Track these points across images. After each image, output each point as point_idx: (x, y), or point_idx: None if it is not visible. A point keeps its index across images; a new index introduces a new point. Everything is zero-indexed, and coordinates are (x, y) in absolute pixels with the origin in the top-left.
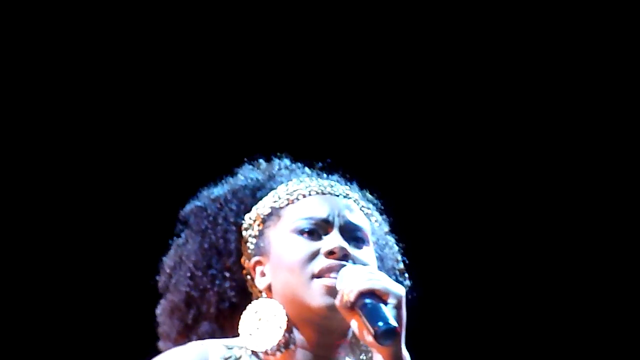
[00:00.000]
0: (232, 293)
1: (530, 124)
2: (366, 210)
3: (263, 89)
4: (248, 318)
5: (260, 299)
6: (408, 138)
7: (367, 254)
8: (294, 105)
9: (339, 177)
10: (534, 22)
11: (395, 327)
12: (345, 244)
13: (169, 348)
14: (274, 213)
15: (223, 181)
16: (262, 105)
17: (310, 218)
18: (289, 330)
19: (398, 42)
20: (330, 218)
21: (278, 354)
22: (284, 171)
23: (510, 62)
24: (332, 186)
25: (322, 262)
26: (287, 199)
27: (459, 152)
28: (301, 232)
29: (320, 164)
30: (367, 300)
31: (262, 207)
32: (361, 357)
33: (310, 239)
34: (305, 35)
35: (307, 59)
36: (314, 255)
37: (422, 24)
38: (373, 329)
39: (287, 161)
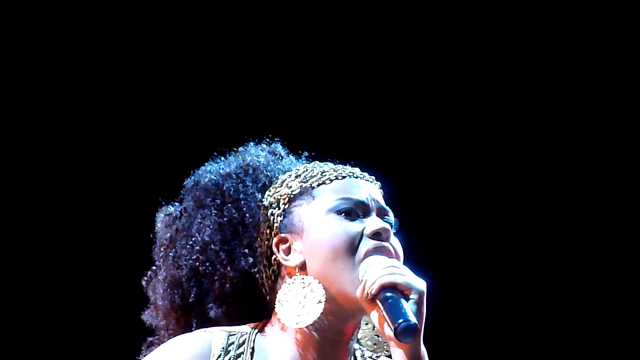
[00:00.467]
0: (254, 270)
1: (530, 121)
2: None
3: (254, 75)
4: (285, 298)
5: (295, 277)
6: (409, 132)
7: (397, 240)
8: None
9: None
10: (534, 22)
11: (415, 324)
12: (388, 226)
13: (160, 324)
14: (305, 192)
15: (223, 159)
16: (253, 90)
17: (349, 199)
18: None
19: (394, 31)
20: (367, 201)
21: (292, 333)
22: (287, 156)
23: (508, 57)
24: (359, 171)
25: (368, 244)
26: (320, 180)
27: (462, 149)
28: (339, 212)
29: (306, 153)
30: (388, 294)
31: (287, 187)
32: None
33: (349, 219)
34: (297, 23)
35: (299, 46)
36: (358, 237)
37: (414, 16)
38: (393, 325)
39: (279, 146)
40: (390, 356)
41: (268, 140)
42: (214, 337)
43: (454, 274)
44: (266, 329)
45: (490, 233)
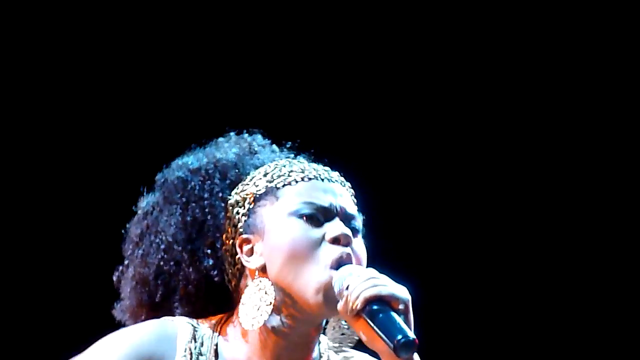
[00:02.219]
0: (214, 272)
1: (523, 119)
2: (355, 201)
3: (236, 63)
4: (247, 300)
5: (256, 280)
6: (397, 133)
7: (361, 245)
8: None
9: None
10: (533, 22)
11: (414, 339)
12: (349, 232)
13: (128, 321)
14: (270, 192)
15: (196, 152)
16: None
17: (312, 203)
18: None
19: (379, 28)
20: (331, 205)
21: (255, 334)
22: (264, 149)
23: (498, 55)
24: (328, 172)
25: (330, 251)
26: (285, 180)
27: (447, 148)
28: (301, 216)
29: (289, 144)
30: (375, 307)
31: (254, 185)
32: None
33: (310, 224)
34: (283, 16)
35: (284, 36)
36: (318, 242)
37: (403, 12)
38: (392, 341)
39: (260, 138)
40: (355, 347)
41: (247, 131)
42: (180, 328)
43: (435, 278)
44: (228, 329)
45: (474, 235)
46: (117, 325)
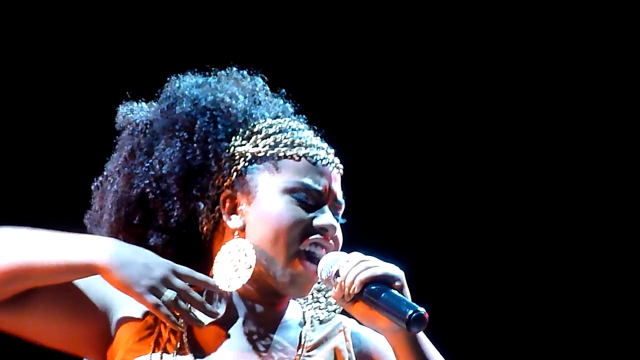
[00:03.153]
0: (200, 217)
1: (515, 111)
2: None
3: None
4: (223, 258)
5: (235, 240)
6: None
7: (340, 232)
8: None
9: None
10: (533, 22)
11: (424, 312)
12: (336, 224)
13: (99, 232)
14: (269, 159)
15: (202, 83)
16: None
17: (308, 186)
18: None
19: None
20: (325, 191)
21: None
22: (267, 100)
23: (489, 50)
24: (327, 151)
25: (310, 231)
26: (287, 152)
27: (453, 151)
28: (295, 196)
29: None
30: (374, 288)
31: (254, 144)
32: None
33: (302, 206)
34: None
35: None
36: (304, 225)
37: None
38: (403, 317)
39: (261, 82)
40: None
41: (249, 72)
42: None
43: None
44: None
45: (468, 230)
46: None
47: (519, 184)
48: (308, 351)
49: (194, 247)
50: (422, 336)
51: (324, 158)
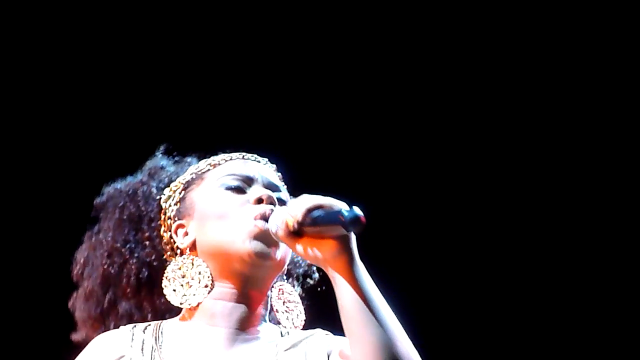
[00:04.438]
0: (153, 262)
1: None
2: (281, 179)
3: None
4: (171, 276)
5: (183, 256)
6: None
7: (285, 195)
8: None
9: None
10: (533, 22)
11: (358, 210)
12: (272, 193)
13: (85, 336)
14: (196, 177)
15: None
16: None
17: (235, 175)
18: (212, 286)
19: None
20: (254, 176)
21: (201, 306)
22: (193, 162)
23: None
24: (253, 155)
25: (252, 209)
26: (210, 164)
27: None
28: (227, 187)
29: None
30: (317, 212)
31: (183, 176)
32: (284, 323)
33: (235, 192)
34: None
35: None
36: (243, 204)
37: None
38: (340, 218)
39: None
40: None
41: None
42: (120, 332)
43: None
44: (178, 316)
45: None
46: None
47: (516, 184)
48: (285, 350)
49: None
50: (364, 272)
51: (246, 156)
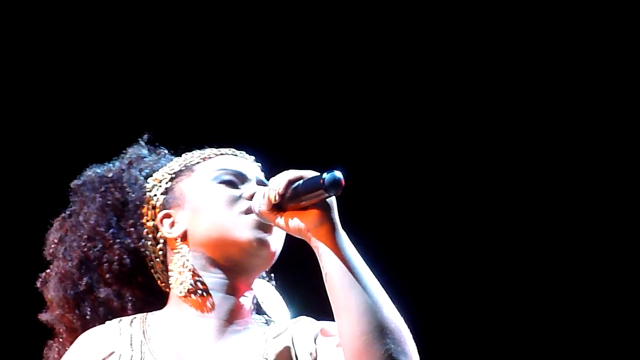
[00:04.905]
0: (138, 249)
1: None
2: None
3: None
4: (172, 266)
5: (177, 249)
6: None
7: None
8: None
9: None
10: (532, 22)
11: (341, 178)
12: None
13: (57, 318)
14: (186, 169)
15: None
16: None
17: (228, 169)
18: (199, 275)
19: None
20: (246, 173)
21: (190, 297)
22: (170, 156)
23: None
24: (241, 151)
25: (247, 204)
26: (201, 157)
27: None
28: (220, 181)
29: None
30: (298, 182)
31: (169, 168)
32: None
33: (229, 186)
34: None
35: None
36: (236, 199)
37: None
38: (320, 184)
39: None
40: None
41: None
42: (107, 327)
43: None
44: (164, 309)
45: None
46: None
47: (513, 185)
48: (273, 338)
49: (147, 288)
50: (346, 240)
51: (234, 152)
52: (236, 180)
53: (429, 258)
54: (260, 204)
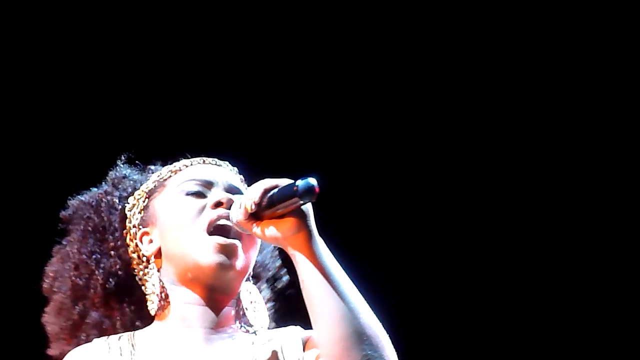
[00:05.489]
0: (119, 271)
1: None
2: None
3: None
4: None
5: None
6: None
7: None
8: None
9: None
10: (532, 22)
11: (315, 185)
12: (230, 196)
13: (59, 350)
14: (159, 185)
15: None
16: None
17: (195, 179)
18: (176, 288)
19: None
20: (214, 180)
21: (172, 311)
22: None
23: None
24: (213, 159)
25: (210, 213)
26: (171, 171)
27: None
28: (187, 193)
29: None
30: (273, 190)
31: (146, 185)
32: (251, 328)
33: (195, 197)
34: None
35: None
36: (202, 209)
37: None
38: (294, 192)
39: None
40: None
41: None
42: (95, 344)
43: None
44: (151, 325)
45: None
46: None
47: (511, 185)
48: (262, 344)
49: (138, 305)
50: (323, 247)
51: (207, 161)
52: (203, 189)
53: (407, 263)
54: (237, 214)
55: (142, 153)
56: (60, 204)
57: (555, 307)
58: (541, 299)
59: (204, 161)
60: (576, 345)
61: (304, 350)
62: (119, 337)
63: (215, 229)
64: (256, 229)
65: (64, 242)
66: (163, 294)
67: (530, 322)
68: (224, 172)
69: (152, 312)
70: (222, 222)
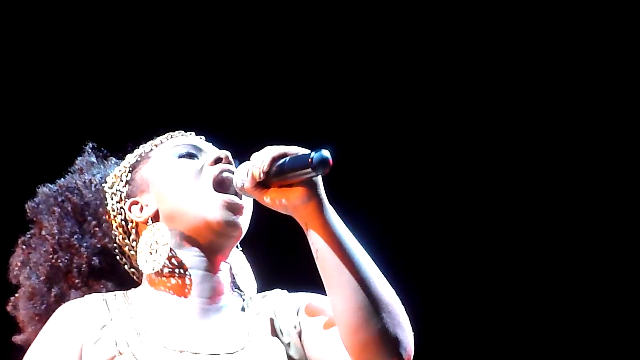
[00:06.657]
0: (107, 245)
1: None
2: None
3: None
4: (141, 247)
5: (149, 227)
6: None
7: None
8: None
9: None
10: (532, 22)
11: (329, 158)
12: (228, 153)
13: (32, 338)
14: (142, 158)
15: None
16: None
17: (185, 144)
18: (175, 253)
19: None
20: (202, 146)
21: (166, 276)
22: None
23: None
24: (190, 132)
25: (213, 170)
26: (154, 144)
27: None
28: (180, 156)
29: None
30: (283, 160)
31: (127, 161)
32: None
33: (190, 159)
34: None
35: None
36: (200, 169)
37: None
38: (308, 161)
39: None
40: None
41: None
42: (92, 300)
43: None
44: (138, 289)
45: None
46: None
47: (511, 185)
48: (256, 315)
49: (119, 281)
50: (335, 215)
51: (184, 134)
52: (194, 152)
53: (418, 235)
54: (244, 181)
55: (104, 143)
56: (21, 197)
57: (557, 304)
58: (547, 292)
59: (184, 134)
60: (579, 342)
61: (298, 315)
62: (115, 297)
63: (219, 183)
64: (264, 197)
65: (32, 232)
66: (171, 255)
67: (533, 322)
68: (208, 143)
69: (154, 270)
70: (226, 174)
